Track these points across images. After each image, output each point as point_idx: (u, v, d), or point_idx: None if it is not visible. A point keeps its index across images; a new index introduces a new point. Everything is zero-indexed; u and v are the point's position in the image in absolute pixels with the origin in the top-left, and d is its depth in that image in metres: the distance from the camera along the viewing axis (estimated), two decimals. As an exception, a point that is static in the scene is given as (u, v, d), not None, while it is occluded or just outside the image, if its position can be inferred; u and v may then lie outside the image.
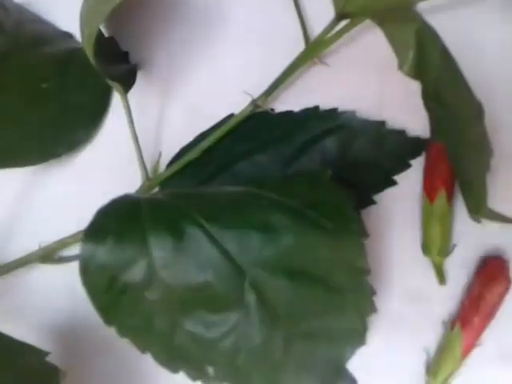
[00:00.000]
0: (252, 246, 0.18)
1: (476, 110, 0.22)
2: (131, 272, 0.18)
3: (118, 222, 0.18)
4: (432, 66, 0.19)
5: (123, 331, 0.19)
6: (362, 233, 0.19)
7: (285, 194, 0.19)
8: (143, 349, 0.19)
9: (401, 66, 0.19)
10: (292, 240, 0.19)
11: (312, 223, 0.19)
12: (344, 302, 0.19)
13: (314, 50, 0.24)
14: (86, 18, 0.24)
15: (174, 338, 0.19)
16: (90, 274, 0.18)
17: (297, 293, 0.19)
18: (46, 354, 0.19)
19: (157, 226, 0.18)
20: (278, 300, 0.19)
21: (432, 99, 0.19)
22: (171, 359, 0.19)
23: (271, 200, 0.19)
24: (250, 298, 0.18)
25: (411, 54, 0.18)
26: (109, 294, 0.18)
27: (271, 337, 0.19)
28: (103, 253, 0.18)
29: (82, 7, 0.25)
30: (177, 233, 0.18)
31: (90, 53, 0.23)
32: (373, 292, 0.20)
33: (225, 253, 0.18)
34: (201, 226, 0.18)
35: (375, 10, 0.18)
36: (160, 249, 0.18)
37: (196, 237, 0.18)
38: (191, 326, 0.18)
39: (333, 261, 0.19)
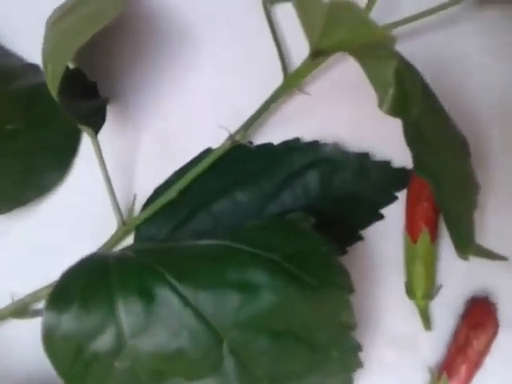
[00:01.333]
0: (229, 306, 0.17)
1: (460, 146, 0.21)
2: (99, 341, 0.17)
3: (83, 285, 0.17)
4: (412, 104, 0.18)
5: (92, 402, 0.17)
6: (347, 287, 0.18)
7: (263, 245, 0.18)
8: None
9: (380, 105, 0.18)
10: (272, 298, 0.17)
11: (293, 278, 0.18)
12: (329, 360, 0.18)
13: (292, 83, 0.23)
14: (49, 53, 0.23)
15: (146, 409, 0.17)
16: (54, 345, 0.17)
17: (279, 354, 0.17)
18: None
19: (125, 289, 0.17)
20: (259, 363, 0.17)
21: (413, 137, 0.19)
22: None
23: (248, 254, 0.18)
24: (229, 363, 0.17)
25: (391, 93, 0.17)
26: (75, 364, 0.17)
27: (253, 402, 0.18)
28: (68, 321, 0.17)
29: (45, 40, 0.24)
30: (147, 296, 0.17)
31: (54, 93, 0.22)
32: (359, 348, 0.18)
33: (200, 316, 0.17)
34: (173, 288, 0.17)
35: (351, 47, 0.17)
36: (129, 314, 0.17)
37: (168, 300, 0.17)
38: (165, 395, 0.17)
39: (316, 318, 0.18)
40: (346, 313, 0.18)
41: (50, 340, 0.16)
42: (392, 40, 0.16)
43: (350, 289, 0.18)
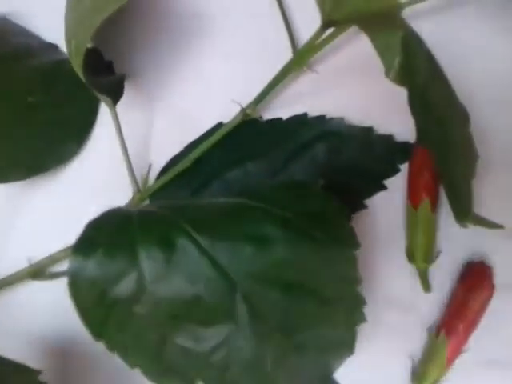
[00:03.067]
0: (243, 257, 0.18)
1: (461, 115, 0.22)
2: (121, 286, 0.18)
3: (107, 234, 0.18)
4: (418, 73, 0.19)
5: (112, 346, 0.18)
6: (353, 243, 0.19)
7: (276, 204, 0.19)
8: (132, 364, 0.18)
9: (387, 73, 0.19)
10: (283, 251, 0.18)
11: (304, 234, 0.19)
12: (335, 313, 0.19)
13: (302, 57, 0.24)
14: (72, 30, 0.24)
15: (163, 352, 0.18)
16: (78, 288, 0.18)
17: (289, 305, 0.19)
18: (39, 372, 0.18)
19: (147, 239, 0.18)
20: (269, 312, 0.18)
21: (418, 105, 0.19)
22: (160, 374, 0.19)
23: (262, 210, 0.19)
24: (242, 310, 0.18)
25: (397, 61, 0.18)
26: (98, 308, 0.18)
27: (263, 350, 0.19)
28: (92, 266, 0.18)
29: (67, 18, 0.25)
30: (167, 245, 0.18)
31: (77, 66, 0.23)
32: (363, 302, 0.20)
33: (216, 265, 0.18)
34: (192, 239, 0.18)
35: (361, 17, 0.18)
36: (150, 262, 0.18)
37: (187, 249, 0.18)
38: (181, 340, 0.18)
39: (324, 272, 0.19)
40: (352, 268, 0.19)
41: (76, 284, 0.17)
42: (400, 8, 0.17)
43: (356, 245, 0.19)
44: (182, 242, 0.18)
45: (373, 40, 0.20)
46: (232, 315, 0.18)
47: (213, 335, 0.18)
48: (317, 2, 0.19)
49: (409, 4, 0.25)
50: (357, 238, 0.19)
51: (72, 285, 0.18)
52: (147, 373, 0.18)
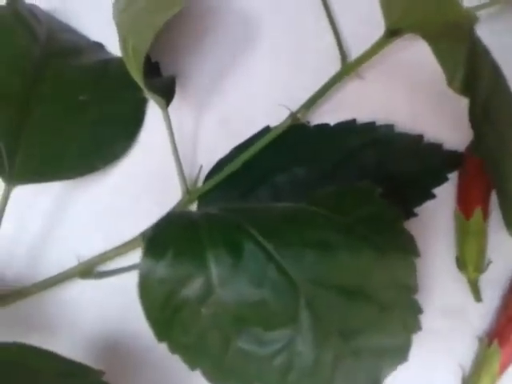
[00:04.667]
0: (306, 262, 0.18)
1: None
2: (188, 288, 0.18)
3: (175, 237, 0.18)
4: (481, 84, 0.19)
5: (175, 348, 0.19)
6: (413, 251, 0.19)
7: (336, 209, 0.19)
8: (194, 366, 0.19)
9: (450, 83, 0.19)
10: (345, 257, 0.19)
11: (364, 240, 0.19)
12: (392, 319, 0.19)
13: (356, 64, 0.24)
14: (127, 30, 0.24)
15: (225, 355, 0.19)
16: (147, 290, 0.18)
17: (349, 310, 0.19)
18: (102, 373, 0.18)
19: (215, 243, 0.18)
20: (330, 317, 0.19)
21: (479, 116, 0.19)
22: (222, 376, 0.19)
23: (323, 216, 0.19)
24: (305, 315, 0.18)
25: (461, 71, 0.18)
26: (164, 310, 0.18)
27: (323, 354, 0.19)
28: (162, 268, 0.18)
29: (118, 17, 0.25)
30: (235, 250, 0.18)
31: (135, 67, 0.23)
32: (420, 310, 0.20)
33: (281, 270, 0.18)
34: (257, 243, 0.18)
35: (431, 26, 0.18)
36: (218, 265, 0.18)
37: (254, 254, 0.18)
38: (244, 343, 0.18)
39: (384, 278, 0.19)
40: (411, 276, 0.19)
41: (145, 285, 0.18)
42: (474, 20, 0.17)
43: (416, 253, 0.19)
44: (250, 247, 0.18)
45: (435, 49, 0.20)
46: (295, 319, 0.18)
47: (275, 339, 0.18)
48: (383, 11, 0.20)
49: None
50: (417, 245, 0.20)
51: (142, 286, 0.18)
52: (208, 375, 0.19)
